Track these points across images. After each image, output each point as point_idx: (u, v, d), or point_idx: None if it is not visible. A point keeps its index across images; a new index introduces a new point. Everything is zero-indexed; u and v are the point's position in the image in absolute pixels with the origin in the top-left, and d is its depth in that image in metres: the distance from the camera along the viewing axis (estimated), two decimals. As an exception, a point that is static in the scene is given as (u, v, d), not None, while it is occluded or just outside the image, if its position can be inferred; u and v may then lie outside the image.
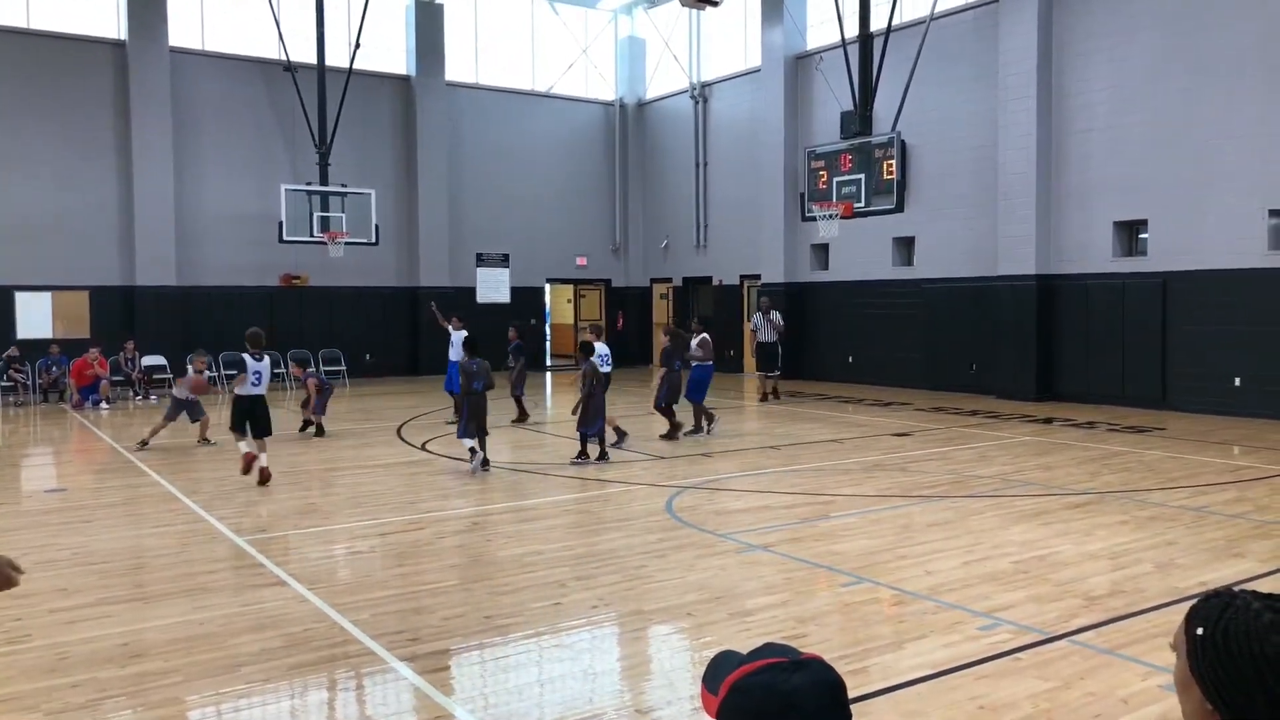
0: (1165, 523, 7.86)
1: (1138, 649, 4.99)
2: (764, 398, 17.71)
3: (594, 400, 11.16)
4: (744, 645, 1.42)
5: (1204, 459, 11.02)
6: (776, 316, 17.64)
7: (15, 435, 14.71)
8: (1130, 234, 16.29)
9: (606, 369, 11.82)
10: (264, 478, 9.79)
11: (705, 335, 13.76)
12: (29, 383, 18.68)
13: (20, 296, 19.55)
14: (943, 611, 5.65)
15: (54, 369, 18.64)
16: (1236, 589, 1.38)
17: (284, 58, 21.02)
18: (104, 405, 17.43)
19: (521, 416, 15.02)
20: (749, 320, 17.47)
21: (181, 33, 21.17)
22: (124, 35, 20.47)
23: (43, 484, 10.68)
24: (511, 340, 15.37)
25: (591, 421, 11.19)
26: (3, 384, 18.56)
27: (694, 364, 13.50)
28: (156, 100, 20.49)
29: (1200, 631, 1.33)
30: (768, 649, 1.36)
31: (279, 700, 4.59)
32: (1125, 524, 7.82)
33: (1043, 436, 12.94)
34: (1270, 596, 1.34)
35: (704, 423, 13.43)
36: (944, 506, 8.58)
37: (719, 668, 1.36)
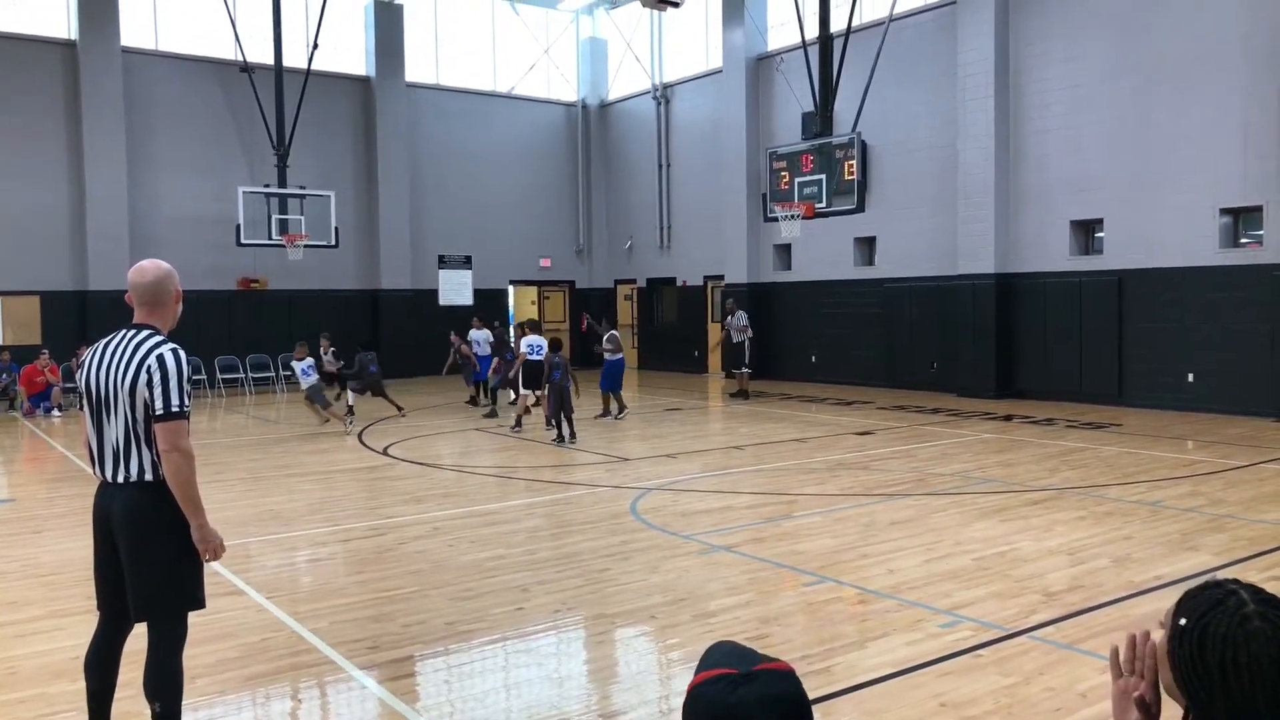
0: (1122, 518, 7.97)
1: (1096, 643, 5.05)
2: (741, 394, 18.09)
3: (555, 388, 12.93)
4: (706, 647, 1.41)
5: (1159, 454, 11.21)
6: (740, 318, 17.96)
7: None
8: (1087, 233, 16.54)
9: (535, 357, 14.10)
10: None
11: (614, 332, 16.04)
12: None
13: (-32, 302, 19.11)
14: (905, 610, 5.68)
15: (4, 376, 18.21)
16: (1242, 583, 1.33)
17: (240, 58, 20.73)
18: (56, 413, 17.07)
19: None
20: (721, 323, 18.56)
21: (134, 32, 20.81)
22: (74, 35, 20.08)
23: (-8, 494, 10.41)
24: (453, 343, 17.53)
25: (550, 407, 13.17)
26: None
27: (605, 358, 15.57)
28: (108, 101, 20.11)
29: (1183, 623, 1.31)
30: (732, 654, 1.34)
31: (235, 713, 4.50)
32: (1083, 519, 7.92)
33: (1003, 433, 13.10)
34: (1273, 601, 1.29)
35: (613, 409, 15.46)
36: (906, 504, 8.64)
37: (704, 661, 1.36)
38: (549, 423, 13.47)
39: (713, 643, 1.43)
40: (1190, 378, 14.94)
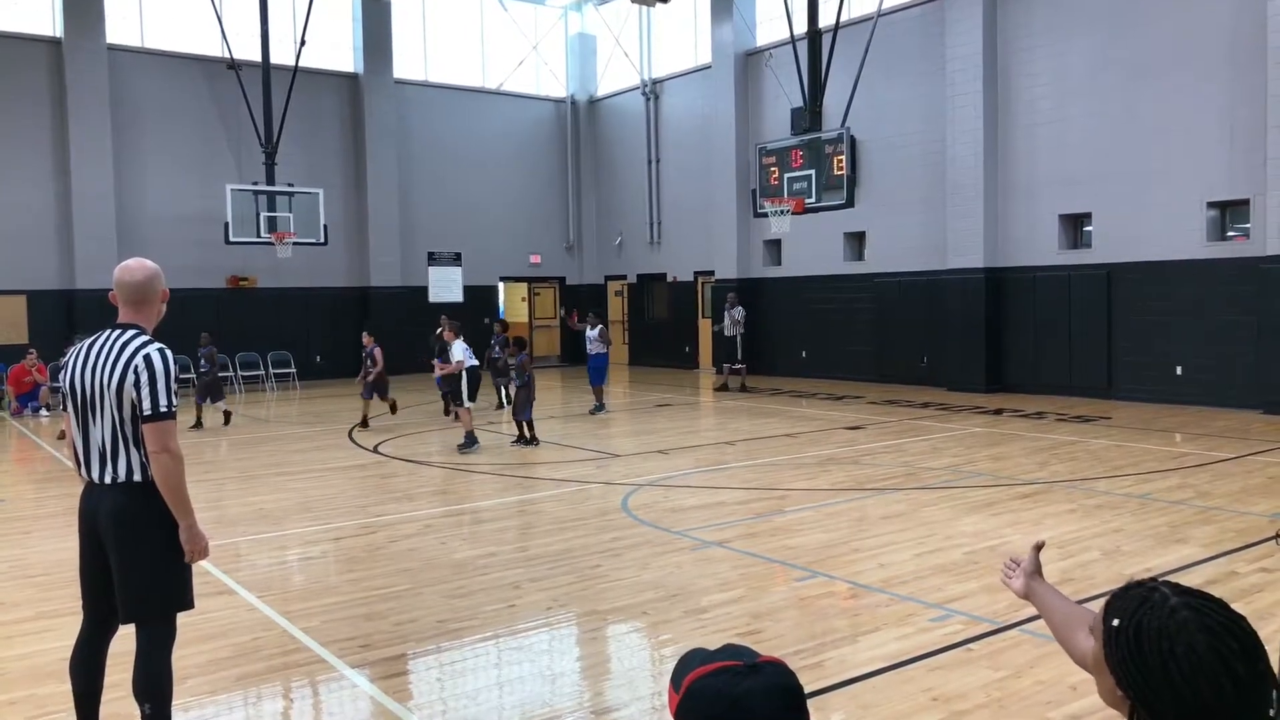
0: (1111, 510, 8.01)
1: (1086, 636, 5.06)
2: (722, 387, 18.66)
3: (526, 390, 12.22)
4: (700, 643, 1.41)
5: (1148, 446, 11.27)
6: (739, 312, 18.43)
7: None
8: (1075, 227, 16.60)
9: (473, 362, 12.61)
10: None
11: (602, 326, 16.02)
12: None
13: (-46, 302, 18.99)
14: (896, 604, 5.70)
15: (-9, 376, 18.12)
16: (1159, 580, 1.38)
17: (227, 55, 20.62)
18: (44, 412, 16.97)
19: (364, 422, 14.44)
20: (723, 315, 18.93)
21: (119, 29, 20.68)
22: (59, 32, 19.93)
23: (-20, 495, 10.35)
24: (366, 346, 14.71)
25: (522, 409, 12.24)
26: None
27: (594, 352, 15.60)
28: (94, 99, 19.99)
29: (1115, 623, 1.35)
30: (727, 650, 1.36)
31: (227, 712, 4.48)
32: (1073, 513, 7.95)
33: (993, 427, 13.14)
34: (1191, 592, 1.34)
35: (603, 400, 15.72)
36: (897, 499, 8.66)
37: (684, 666, 1.36)
38: (520, 426, 12.37)
39: (688, 650, 1.43)
40: (1178, 370, 15.02)
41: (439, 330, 15.87)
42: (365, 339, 15.03)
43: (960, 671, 4.66)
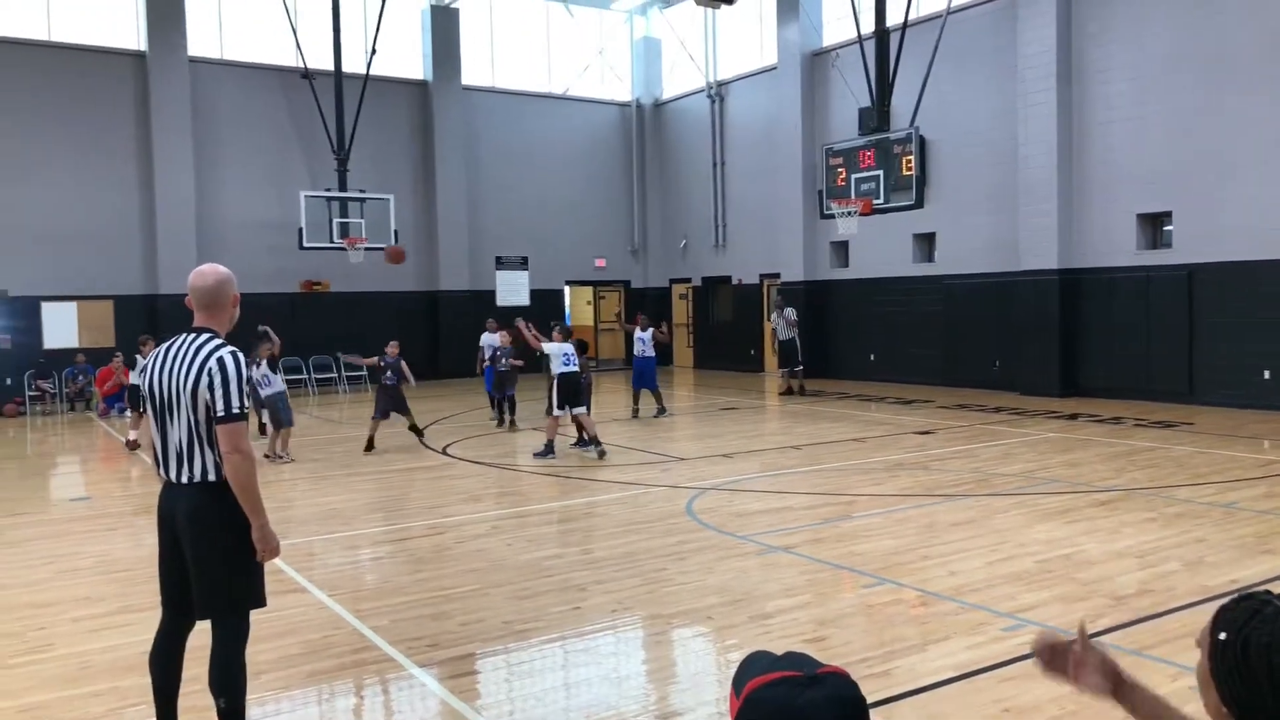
0: (1194, 519, 7.73)
1: (1166, 649, 4.90)
2: (787, 391, 18.42)
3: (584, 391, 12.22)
4: (765, 648, 1.39)
5: (1233, 454, 10.85)
6: (790, 313, 18.24)
7: (42, 444, 14.87)
8: (1154, 226, 16.09)
9: (565, 370, 11.77)
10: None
11: (655, 328, 15.71)
12: (55, 392, 18.93)
13: (46, 307, 19.78)
14: (966, 612, 5.58)
15: (80, 378, 18.86)
16: (1274, 593, 1.33)
17: (301, 65, 21.15)
18: (129, 413, 17.57)
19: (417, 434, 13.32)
20: (769, 320, 18.26)
21: (200, 42, 21.36)
22: (144, 46, 20.66)
23: (68, 492, 10.78)
24: (390, 355, 12.91)
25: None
26: (30, 393, 18.84)
27: (642, 355, 15.28)
28: (177, 110, 20.68)
29: (1223, 636, 1.31)
30: (788, 659, 1.34)
31: (299, 708, 4.58)
32: (1153, 521, 7.70)
33: (1067, 433, 12.79)
34: None
35: (667, 405, 15.60)
36: (967, 505, 8.49)
37: (746, 670, 1.35)
38: (579, 428, 12.36)
39: (750, 653, 1.42)
40: (1266, 374, 14.44)
41: (495, 332, 15.72)
42: (391, 348, 12.91)
43: (1033, 683, 4.53)
